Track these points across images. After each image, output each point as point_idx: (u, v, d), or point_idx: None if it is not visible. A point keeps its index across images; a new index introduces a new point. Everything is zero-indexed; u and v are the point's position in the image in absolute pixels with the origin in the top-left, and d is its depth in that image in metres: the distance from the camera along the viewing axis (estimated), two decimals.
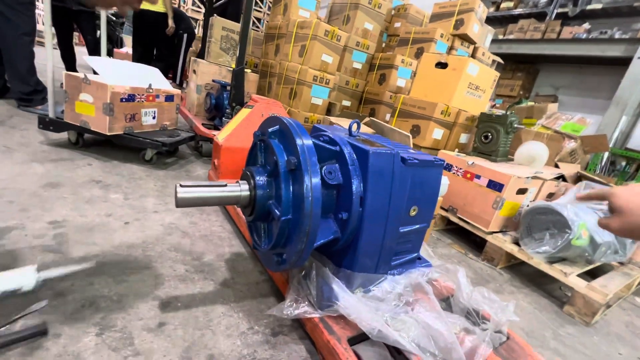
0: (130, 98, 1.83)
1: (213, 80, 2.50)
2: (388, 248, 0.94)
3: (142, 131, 2.00)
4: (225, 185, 0.83)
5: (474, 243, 1.92)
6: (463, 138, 2.26)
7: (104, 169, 1.74)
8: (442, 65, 2.15)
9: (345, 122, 2.07)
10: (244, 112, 1.74)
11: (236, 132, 1.66)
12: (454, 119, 2.15)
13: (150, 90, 1.96)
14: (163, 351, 0.77)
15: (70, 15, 3.23)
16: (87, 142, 1.98)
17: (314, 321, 0.85)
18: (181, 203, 0.76)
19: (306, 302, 0.88)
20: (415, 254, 1.07)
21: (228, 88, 2.37)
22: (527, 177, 1.72)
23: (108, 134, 1.77)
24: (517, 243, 1.69)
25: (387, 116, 2.55)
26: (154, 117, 2.06)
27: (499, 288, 1.52)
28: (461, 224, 1.90)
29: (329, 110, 2.70)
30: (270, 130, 0.88)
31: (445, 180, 1.19)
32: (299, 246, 0.76)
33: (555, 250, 1.49)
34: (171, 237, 1.25)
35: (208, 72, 2.52)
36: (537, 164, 1.96)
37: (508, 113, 1.98)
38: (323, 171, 0.86)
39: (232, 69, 2.71)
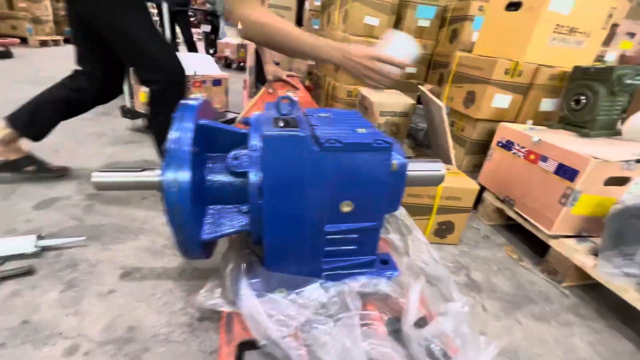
0: None
1: None
2: (311, 249, 0.79)
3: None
4: (142, 171, 0.84)
5: (541, 247, 1.44)
6: (546, 105, 1.66)
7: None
8: (514, 5, 1.59)
9: (382, 96, 1.81)
10: (259, 92, 1.73)
11: (248, 113, 1.67)
12: (530, 80, 1.59)
13: (196, 77, 2.16)
14: (96, 316, 0.88)
15: (171, 15, 3.84)
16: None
17: (222, 316, 0.81)
18: (97, 187, 0.82)
19: (220, 294, 0.84)
20: (369, 258, 0.87)
21: None
22: (628, 161, 1.15)
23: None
24: (597, 254, 1.18)
25: None
26: None
27: (550, 313, 1.11)
28: (519, 220, 1.44)
29: None
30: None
31: (438, 167, 0.91)
32: (178, 238, 0.72)
33: None
34: None
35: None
36: None
37: (615, 66, 1.33)
38: (229, 156, 0.78)
39: None
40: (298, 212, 0.74)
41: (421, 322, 0.81)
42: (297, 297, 0.81)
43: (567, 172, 1.21)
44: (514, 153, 1.47)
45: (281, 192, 0.72)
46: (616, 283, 1.07)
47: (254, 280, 0.82)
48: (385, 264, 0.93)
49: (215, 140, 0.80)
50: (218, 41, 5.99)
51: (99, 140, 2.07)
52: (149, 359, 0.79)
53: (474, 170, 1.81)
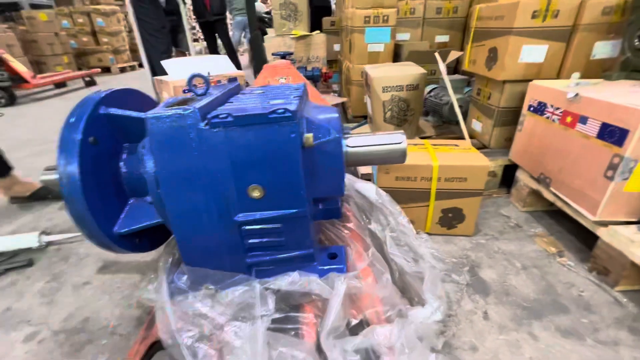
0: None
1: (272, 54, 2.52)
2: (228, 242, 0.70)
3: None
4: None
5: (592, 239, 1.08)
6: (602, 49, 1.25)
7: None
8: None
9: (384, 69, 1.61)
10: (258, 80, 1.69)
11: None
12: (572, 20, 1.22)
13: (211, 77, 2.22)
14: (63, 306, 0.94)
15: (210, 25, 4.10)
16: None
17: (152, 311, 0.78)
18: (44, 184, 0.86)
19: (152, 289, 0.81)
20: (304, 251, 0.74)
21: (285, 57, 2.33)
22: None
23: None
24: None
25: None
26: None
27: (586, 328, 0.82)
28: (558, 203, 1.12)
29: (397, 55, 2.15)
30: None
31: (400, 140, 0.75)
32: (83, 232, 0.70)
33: None
34: None
35: (270, 45, 2.55)
36: None
37: None
38: (139, 146, 0.74)
39: (294, 36, 2.63)
40: (200, 201, 0.66)
41: (360, 329, 0.65)
42: (219, 296, 0.73)
43: (613, 134, 0.87)
44: (547, 117, 1.13)
45: (176, 179, 0.64)
46: None
47: (179, 276, 0.77)
48: (333, 259, 0.78)
49: (130, 129, 0.77)
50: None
51: None
52: (88, 350, 0.80)
53: (505, 146, 1.48)
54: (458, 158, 1.09)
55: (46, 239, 1.19)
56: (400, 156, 0.77)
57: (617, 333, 0.80)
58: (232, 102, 0.72)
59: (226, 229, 0.69)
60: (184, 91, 0.79)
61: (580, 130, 0.99)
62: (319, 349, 0.63)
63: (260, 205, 0.67)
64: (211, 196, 0.65)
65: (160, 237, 0.91)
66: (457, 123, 1.83)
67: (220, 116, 0.61)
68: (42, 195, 1.54)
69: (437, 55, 1.52)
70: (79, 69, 5.93)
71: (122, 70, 6.56)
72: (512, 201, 1.37)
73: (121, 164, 0.76)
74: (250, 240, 0.72)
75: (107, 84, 5.24)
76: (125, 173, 0.76)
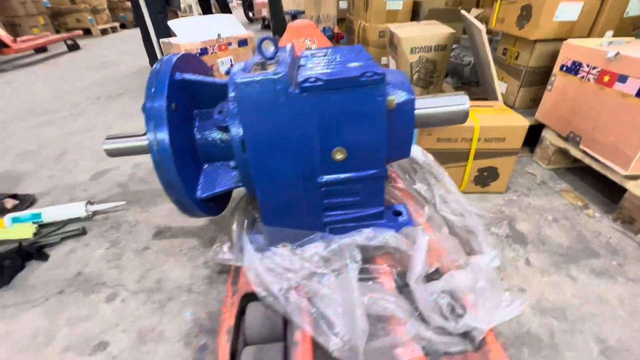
0: (204, 52, 2.06)
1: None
2: (309, 202, 0.75)
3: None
4: (145, 135, 0.86)
5: (615, 192, 1.17)
6: (635, 5, 1.26)
7: None
8: None
9: (412, 29, 1.58)
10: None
11: None
12: None
13: (221, 40, 2.13)
14: (132, 269, 0.99)
15: None
16: None
17: (231, 270, 0.83)
18: (109, 154, 0.87)
19: (228, 248, 0.86)
20: (376, 210, 0.79)
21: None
22: None
23: None
24: None
25: None
26: (231, 65, 2.26)
27: (615, 267, 0.92)
28: (586, 160, 1.19)
29: (415, 13, 2.09)
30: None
31: (463, 102, 0.77)
32: (171, 197, 0.73)
33: None
34: None
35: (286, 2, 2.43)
36: None
37: None
38: (215, 111, 0.75)
39: None
40: (286, 164, 0.69)
41: (435, 276, 0.73)
42: (299, 251, 0.79)
43: None
44: (582, 77, 1.17)
45: (263, 143, 0.67)
46: None
47: (257, 236, 0.82)
48: (398, 216, 0.84)
49: (201, 95, 0.77)
50: (255, 1, 5.83)
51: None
52: (171, 307, 0.86)
53: (530, 107, 1.52)
54: (497, 119, 1.13)
55: (92, 208, 1.21)
56: (463, 117, 0.80)
57: (631, 273, 0.90)
58: (304, 66, 0.73)
59: (308, 190, 0.73)
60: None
61: (618, 89, 1.03)
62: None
63: (342, 167, 0.71)
64: (297, 159, 0.68)
65: (224, 202, 0.95)
66: (478, 84, 1.84)
67: (310, 80, 0.62)
68: None
69: (464, 13, 1.49)
70: (57, 31, 5.50)
71: (104, 32, 6.11)
72: (536, 159, 1.44)
73: (195, 130, 0.77)
74: (329, 200, 0.76)
75: (92, 48, 4.91)
76: (199, 139, 0.77)
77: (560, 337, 0.75)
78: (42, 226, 1.17)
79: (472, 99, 1.71)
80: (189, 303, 0.87)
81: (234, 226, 0.85)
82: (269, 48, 0.75)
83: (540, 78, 1.44)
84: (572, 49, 1.21)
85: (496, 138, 1.12)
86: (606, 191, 1.20)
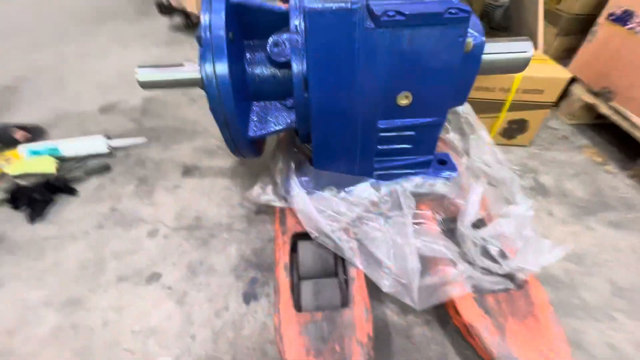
0: None
1: None
2: (363, 148, 0.74)
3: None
4: (183, 66, 0.79)
5: (635, 150, 1.20)
6: None
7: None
8: None
9: None
10: None
11: None
12: None
13: None
14: (168, 206, 0.99)
15: None
16: (195, 24, 2.21)
17: (276, 210, 0.84)
18: (143, 86, 0.80)
19: (271, 191, 0.86)
20: (425, 158, 0.79)
21: None
22: None
23: (196, 12, 1.92)
24: None
25: None
26: None
27: (630, 220, 0.99)
28: (614, 118, 1.19)
29: None
30: None
31: (525, 48, 0.73)
32: (225, 135, 0.70)
33: None
34: None
35: None
36: None
37: None
38: (269, 43, 0.68)
39: None
40: (348, 105, 0.66)
41: (479, 223, 0.77)
42: (347, 195, 0.80)
43: None
44: (631, 28, 1.11)
45: (329, 82, 0.63)
46: None
47: (303, 179, 0.82)
48: (442, 165, 0.85)
49: (253, 23, 0.70)
50: None
51: (142, 42, 2.03)
52: (215, 244, 0.89)
53: (564, 57, 1.46)
54: (538, 69, 1.09)
55: (111, 143, 1.16)
56: (524, 65, 0.76)
57: None
58: None
59: (365, 134, 0.71)
60: None
61: None
62: None
63: (403, 113, 0.69)
64: (360, 101, 0.65)
65: (264, 143, 0.92)
66: (506, 30, 1.74)
67: (389, 14, 0.56)
68: None
69: None
70: None
71: None
72: (559, 114, 1.43)
73: (246, 64, 0.71)
74: (383, 146, 0.75)
75: None
76: (250, 74, 0.71)
77: (578, 279, 0.84)
78: (61, 160, 1.12)
79: None
80: (232, 240, 0.90)
81: (278, 168, 0.84)
82: None
83: (580, 26, 1.37)
84: None
85: (535, 90, 1.09)
86: (624, 149, 1.24)
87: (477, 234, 0.71)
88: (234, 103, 0.63)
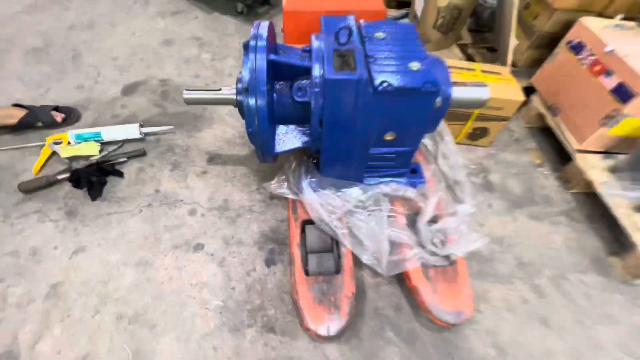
0: None
1: None
2: (357, 164, 1.02)
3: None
4: (220, 90, 1.00)
5: (566, 156, 1.53)
6: None
7: (205, 23, 2.03)
8: None
9: None
10: None
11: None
12: None
13: None
14: (200, 190, 1.26)
15: None
16: None
17: (289, 200, 1.13)
18: (186, 102, 1.01)
19: (286, 186, 1.14)
20: (401, 170, 1.09)
21: None
22: None
23: None
24: (614, 171, 1.30)
25: None
26: None
27: (545, 213, 1.35)
28: (555, 129, 1.50)
29: None
30: (251, 38, 0.90)
31: (483, 93, 0.98)
32: (258, 152, 0.96)
33: None
34: None
35: None
36: None
37: None
38: (294, 87, 0.91)
39: None
40: (350, 139, 0.92)
41: (434, 219, 1.09)
42: (342, 194, 1.10)
43: (623, 94, 1.18)
44: (580, 60, 1.36)
45: (337, 124, 0.88)
46: (618, 192, 1.23)
47: (311, 180, 1.10)
48: (414, 173, 1.15)
49: (282, 71, 0.91)
50: None
51: (147, 11, 2.07)
52: (241, 222, 1.19)
53: (532, 66, 1.70)
54: (501, 90, 1.35)
55: (144, 130, 1.36)
56: (482, 105, 1.03)
57: (561, 219, 1.35)
58: (372, 59, 0.86)
59: (360, 156, 0.99)
60: None
61: (601, 81, 1.27)
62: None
63: (388, 144, 0.96)
64: (358, 137, 0.92)
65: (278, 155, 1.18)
66: (491, 30, 1.93)
67: (384, 84, 0.80)
68: (30, 122, 1.35)
69: None
70: None
71: None
72: (519, 117, 1.72)
73: (275, 97, 0.93)
74: (371, 163, 1.03)
75: None
76: (277, 106, 0.94)
77: (496, 256, 1.21)
78: (102, 144, 1.33)
79: (482, 46, 1.83)
80: (253, 220, 1.20)
81: (292, 169, 1.12)
82: (344, 35, 0.87)
83: (548, 42, 1.59)
84: (583, 29, 1.35)
85: (496, 107, 1.36)
86: (559, 154, 1.56)
87: (430, 228, 1.04)
88: (268, 131, 0.88)
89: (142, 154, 1.32)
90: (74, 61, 1.68)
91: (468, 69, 1.42)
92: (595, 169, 1.31)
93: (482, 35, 1.94)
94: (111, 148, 1.33)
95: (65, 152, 1.26)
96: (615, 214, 1.22)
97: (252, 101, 0.85)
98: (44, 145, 1.28)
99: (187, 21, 2.04)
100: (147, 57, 1.75)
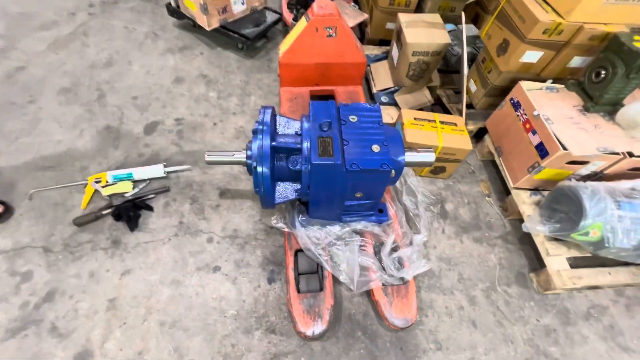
0: None
1: None
2: (336, 210, 1.37)
3: (235, 19, 2.32)
4: (233, 155, 1.32)
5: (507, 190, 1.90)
6: (576, 62, 1.71)
7: (210, 59, 2.31)
8: None
9: (418, 34, 1.85)
10: (301, 25, 1.82)
11: (293, 49, 1.85)
12: (568, 38, 1.60)
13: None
14: (215, 221, 1.59)
15: None
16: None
17: (285, 233, 1.48)
18: (209, 163, 1.33)
19: (283, 222, 1.49)
20: (371, 212, 1.44)
21: None
22: (590, 155, 1.45)
23: (208, 29, 2.21)
24: (538, 204, 1.68)
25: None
26: (243, 3, 2.29)
27: (485, 237, 1.73)
28: (499, 167, 1.86)
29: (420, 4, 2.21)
30: (258, 122, 1.22)
31: (430, 157, 1.33)
32: (262, 201, 1.29)
33: (552, 234, 1.51)
34: (237, 140, 1.90)
35: None
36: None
37: None
38: (290, 159, 1.24)
39: None
40: (330, 197, 1.26)
41: (395, 248, 1.46)
42: (325, 230, 1.45)
43: (542, 151, 1.54)
44: (518, 115, 1.71)
45: (321, 190, 1.22)
46: (534, 227, 1.61)
47: (302, 218, 1.44)
48: (381, 212, 1.50)
49: (280, 149, 1.23)
50: None
51: (157, 47, 2.32)
52: (248, 248, 1.53)
53: (488, 108, 2.04)
54: (454, 140, 1.69)
55: (167, 169, 1.68)
56: (430, 164, 1.37)
57: (497, 241, 1.73)
58: (347, 143, 1.19)
59: (337, 206, 1.33)
60: None
61: (530, 137, 1.62)
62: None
63: (359, 199, 1.31)
64: (335, 195, 1.26)
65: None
66: (459, 73, 2.25)
67: (353, 167, 1.14)
68: None
69: (463, 15, 1.81)
70: None
71: None
72: (476, 151, 2.08)
73: (275, 164, 1.26)
74: (347, 210, 1.38)
75: None
76: (277, 170, 1.28)
77: (443, 272, 1.59)
78: (133, 182, 1.65)
79: (449, 88, 2.15)
80: (257, 246, 1.55)
81: (289, 212, 1.46)
82: (326, 125, 1.20)
83: (499, 93, 1.93)
84: (521, 92, 1.69)
85: (450, 153, 1.71)
86: (504, 186, 1.93)
87: (390, 257, 1.40)
88: (270, 189, 1.22)
89: (166, 190, 1.64)
90: (99, 101, 1.96)
91: (429, 120, 1.76)
92: (525, 204, 1.69)
93: (449, 77, 2.27)
94: (141, 185, 1.64)
95: (106, 191, 1.57)
96: (535, 241, 1.60)
97: (259, 170, 1.18)
98: (86, 183, 1.59)
99: (194, 57, 2.31)
100: (162, 97, 2.04)
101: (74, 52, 2.18)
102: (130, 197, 1.58)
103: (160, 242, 1.50)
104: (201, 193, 1.68)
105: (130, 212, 1.51)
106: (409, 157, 1.29)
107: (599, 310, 1.55)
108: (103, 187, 1.58)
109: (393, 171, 1.22)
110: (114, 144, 1.79)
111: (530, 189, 1.74)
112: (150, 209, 1.58)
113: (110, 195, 1.58)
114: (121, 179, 1.61)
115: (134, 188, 1.63)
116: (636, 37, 1.44)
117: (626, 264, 1.54)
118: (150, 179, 1.67)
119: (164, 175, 1.67)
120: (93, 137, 1.80)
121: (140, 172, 1.64)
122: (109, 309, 1.32)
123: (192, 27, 2.45)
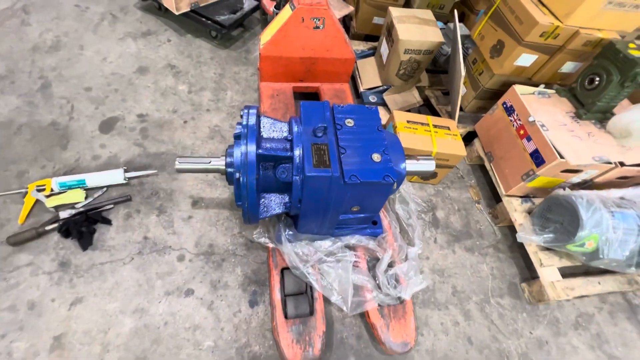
0: None
1: None
2: (328, 225, 1.22)
3: (208, 3, 2.07)
4: (210, 162, 1.13)
5: (499, 197, 1.86)
6: (569, 67, 1.68)
7: (179, 47, 2.05)
8: None
9: (410, 30, 1.73)
10: (285, 13, 1.64)
11: (275, 40, 1.66)
12: (563, 42, 1.55)
13: None
14: (187, 235, 1.39)
15: None
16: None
17: (269, 248, 1.31)
18: (178, 171, 1.13)
19: (267, 236, 1.32)
20: (365, 225, 1.31)
21: None
22: (586, 164, 1.42)
23: (177, 13, 1.96)
24: (530, 213, 1.64)
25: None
26: None
27: (477, 245, 1.67)
28: (490, 172, 1.81)
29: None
30: (241, 126, 1.04)
31: (430, 166, 1.21)
32: (245, 216, 1.12)
33: (547, 244, 1.47)
34: (212, 141, 1.69)
35: None
36: (633, 141, 1.48)
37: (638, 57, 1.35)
38: (278, 169, 1.07)
39: None
40: (322, 212, 1.11)
41: (390, 265, 1.34)
42: (314, 245, 1.30)
43: (538, 159, 1.49)
44: (511, 121, 1.65)
45: (314, 204, 1.07)
46: (528, 237, 1.57)
47: (288, 232, 1.28)
48: (375, 224, 1.38)
49: (267, 157, 1.06)
50: None
51: (116, 31, 2.03)
52: (226, 266, 1.35)
53: (477, 112, 1.99)
54: (448, 145, 1.61)
55: (128, 175, 1.44)
56: (430, 173, 1.27)
57: (488, 250, 1.68)
58: (344, 152, 1.04)
59: (331, 220, 1.19)
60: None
61: (524, 143, 1.57)
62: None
63: (355, 212, 1.17)
64: (332, 210, 1.11)
65: None
66: (447, 73, 2.17)
67: (352, 178, 1.00)
68: None
69: (455, 13, 1.71)
70: None
71: None
72: (465, 156, 2.01)
73: (260, 174, 1.09)
74: (340, 224, 1.24)
75: None
76: (263, 180, 1.10)
77: (437, 286, 1.50)
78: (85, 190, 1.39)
79: (437, 88, 2.07)
80: (237, 263, 1.37)
81: (273, 225, 1.29)
82: (320, 130, 1.04)
83: (490, 96, 1.87)
84: (514, 96, 1.64)
85: (443, 159, 1.62)
86: (494, 192, 1.89)
87: (385, 275, 1.28)
88: (255, 200, 1.04)
89: (128, 199, 1.41)
90: (43, 92, 1.65)
91: (422, 123, 1.65)
92: (516, 212, 1.64)
93: (437, 77, 2.19)
94: (96, 194, 1.39)
95: (51, 202, 1.31)
96: (527, 251, 1.56)
97: (243, 181, 1.00)
98: (26, 192, 1.32)
99: (160, 44, 2.04)
100: (122, 89, 1.77)
101: (10, 31, 1.83)
102: (82, 209, 1.33)
103: (120, 263, 1.27)
104: (170, 202, 1.46)
105: (82, 226, 1.27)
106: (410, 166, 1.18)
107: (586, 319, 1.54)
108: (47, 196, 1.32)
109: (394, 184, 1.09)
110: (62, 144, 1.51)
111: (521, 196, 1.70)
112: (108, 222, 1.34)
113: (56, 207, 1.32)
114: (71, 187, 1.35)
115: (86, 197, 1.37)
116: (631, 45, 1.42)
117: (612, 272, 1.55)
118: (107, 187, 1.42)
119: (125, 181, 1.43)
120: (34, 135, 1.51)
121: (95, 178, 1.39)
122: (54, 348, 1.08)
123: (158, 9, 2.17)
